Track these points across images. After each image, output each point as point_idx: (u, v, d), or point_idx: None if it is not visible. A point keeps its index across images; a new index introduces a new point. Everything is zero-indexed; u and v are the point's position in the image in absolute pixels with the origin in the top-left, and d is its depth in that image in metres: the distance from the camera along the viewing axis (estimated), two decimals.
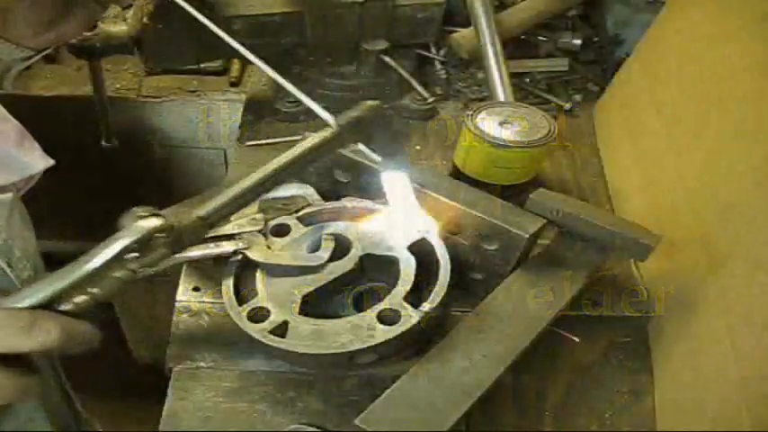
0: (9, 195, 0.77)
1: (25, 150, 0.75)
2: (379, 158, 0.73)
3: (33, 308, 0.51)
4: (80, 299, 0.53)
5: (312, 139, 0.62)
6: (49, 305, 0.52)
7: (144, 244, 0.54)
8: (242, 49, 0.73)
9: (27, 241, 0.82)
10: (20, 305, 0.51)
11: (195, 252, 0.76)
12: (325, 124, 0.68)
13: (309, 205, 0.85)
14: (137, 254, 0.54)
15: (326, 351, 0.67)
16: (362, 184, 0.85)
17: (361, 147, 0.68)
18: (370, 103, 0.66)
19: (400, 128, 0.68)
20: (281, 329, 0.69)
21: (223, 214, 0.61)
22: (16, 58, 0.82)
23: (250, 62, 0.77)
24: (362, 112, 0.66)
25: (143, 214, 0.56)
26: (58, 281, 0.52)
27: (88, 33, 1.02)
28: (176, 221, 0.56)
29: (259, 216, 0.82)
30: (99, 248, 0.53)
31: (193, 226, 0.58)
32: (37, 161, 0.75)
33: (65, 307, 0.52)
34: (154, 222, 0.55)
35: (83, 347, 0.54)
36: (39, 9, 0.76)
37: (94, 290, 0.53)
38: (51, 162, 0.75)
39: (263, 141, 1.10)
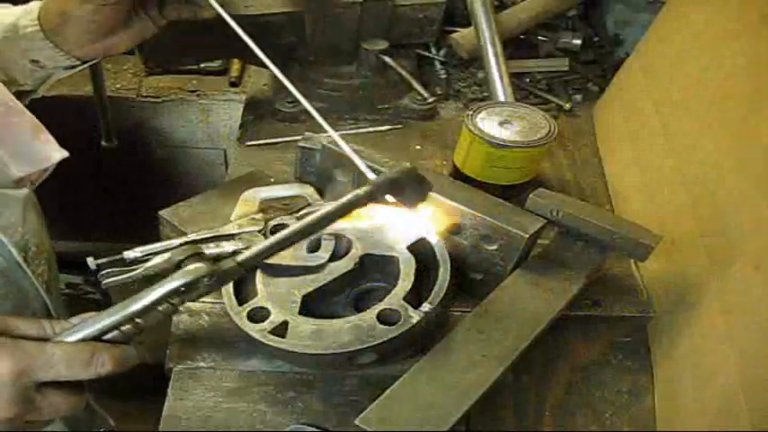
0: (24, 191, 0.77)
1: (41, 142, 0.75)
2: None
3: (89, 339, 0.58)
4: (126, 328, 0.60)
5: (350, 197, 0.67)
6: (101, 335, 0.59)
7: (189, 286, 0.61)
8: (264, 57, 0.77)
9: (42, 237, 0.82)
10: (78, 337, 0.58)
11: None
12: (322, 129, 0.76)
13: (309, 205, 0.85)
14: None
15: (326, 351, 0.67)
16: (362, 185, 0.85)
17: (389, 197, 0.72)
18: (406, 166, 0.71)
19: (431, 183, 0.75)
20: (281, 329, 0.69)
21: (260, 260, 0.66)
22: (59, 67, 0.83)
23: (264, 66, 0.78)
24: (399, 174, 0.70)
25: (189, 254, 0.63)
26: (112, 316, 0.59)
27: None
28: (218, 268, 0.62)
29: (259, 216, 0.82)
30: (150, 290, 0.60)
31: (233, 270, 0.63)
32: (52, 153, 0.76)
33: (112, 334, 0.59)
34: (201, 269, 0.61)
35: (129, 369, 0.61)
36: (99, 18, 0.77)
37: (139, 320, 0.60)
38: (66, 154, 0.76)
39: (263, 141, 1.10)
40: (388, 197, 0.69)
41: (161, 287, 0.60)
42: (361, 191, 0.67)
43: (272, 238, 0.65)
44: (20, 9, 0.81)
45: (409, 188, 0.70)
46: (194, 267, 0.61)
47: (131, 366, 0.60)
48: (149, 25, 0.83)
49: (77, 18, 0.77)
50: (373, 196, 0.68)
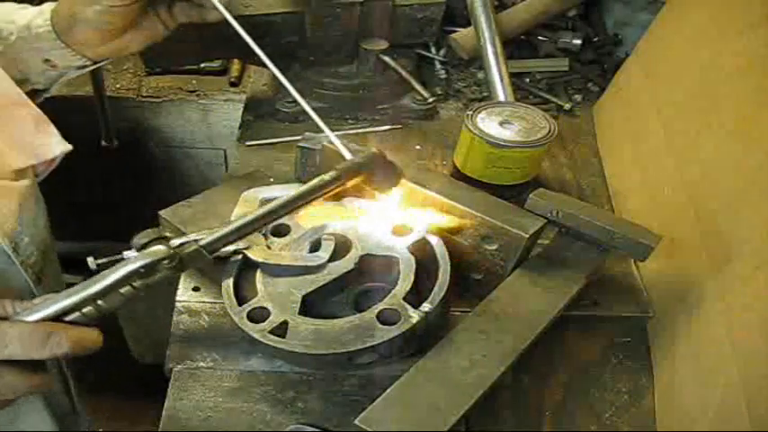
0: (23, 182, 0.77)
1: (43, 135, 0.76)
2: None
3: (48, 319, 0.58)
4: (87, 309, 0.59)
5: (315, 181, 0.68)
6: (60, 315, 0.59)
7: (150, 268, 0.60)
8: (266, 60, 0.77)
9: (38, 229, 0.82)
10: (36, 317, 0.58)
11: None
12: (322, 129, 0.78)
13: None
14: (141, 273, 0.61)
15: (326, 351, 0.67)
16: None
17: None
18: (373, 150, 0.73)
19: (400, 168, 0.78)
20: (280, 329, 0.69)
21: (223, 244, 0.66)
22: (71, 66, 0.84)
23: (264, 66, 0.79)
24: (365, 159, 0.72)
25: (152, 237, 0.63)
26: (71, 296, 0.59)
27: None
28: (180, 250, 0.62)
29: None
30: (109, 271, 0.60)
31: (195, 254, 0.64)
32: (54, 146, 0.76)
33: (73, 316, 0.59)
34: (160, 251, 0.61)
35: (89, 352, 0.60)
36: (108, 20, 0.78)
37: (101, 303, 0.60)
38: (69, 147, 0.76)
39: (263, 141, 1.10)
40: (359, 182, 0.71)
41: (121, 268, 0.60)
42: (326, 175, 0.68)
43: (235, 222, 0.66)
44: (34, 10, 0.83)
45: (378, 173, 0.71)
46: (154, 249, 0.61)
47: (92, 350, 0.60)
48: (159, 27, 0.84)
49: (86, 20, 0.78)
50: (339, 180, 0.69)
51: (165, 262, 0.61)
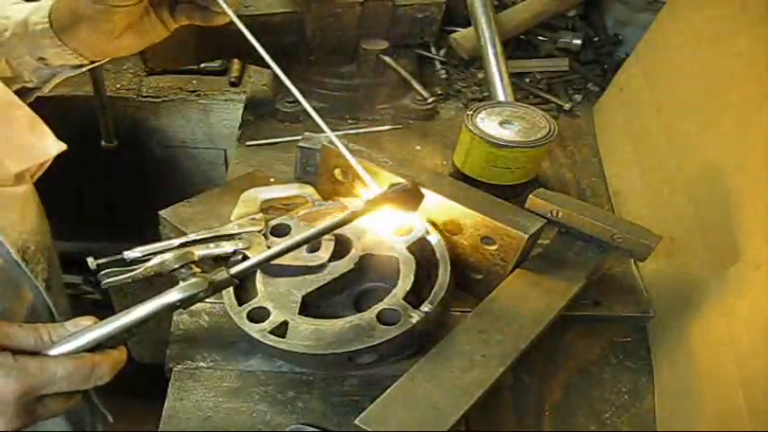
0: (23, 188, 0.77)
1: (37, 136, 0.75)
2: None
3: (86, 349, 0.59)
4: (122, 336, 0.61)
5: (346, 214, 0.68)
6: (98, 345, 0.60)
7: (186, 301, 0.62)
8: (270, 60, 0.76)
9: (42, 234, 0.82)
10: (75, 346, 0.59)
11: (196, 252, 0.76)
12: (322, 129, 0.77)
13: (309, 205, 0.85)
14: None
15: (326, 351, 0.67)
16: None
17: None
18: (405, 183, 0.72)
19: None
20: (281, 329, 0.69)
21: (251, 271, 0.68)
22: (67, 66, 0.83)
23: (264, 66, 0.78)
24: (397, 193, 0.71)
25: (185, 262, 0.67)
26: (108, 326, 0.60)
27: None
28: (213, 280, 0.64)
29: (259, 216, 0.81)
30: (148, 303, 0.61)
31: (226, 282, 0.65)
32: (50, 146, 0.75)
33: (108, 342, 0.61)
34: (199, 284, 0.63)
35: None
36: (109, 20, 0.76)
37: (134, 329, 0.61)
38: (64, 147, 0.76)
39: (263, 141, 1.10)
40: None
41: (159, 300, 0.61)
42: (357, 209, 0.68)
43: (266, 253, 0.67)
44: (30, 6, 0.81)
45: (405, 201, 0.71)
46: (192, 283, 0.63)
47: (122, 367, 0.62)
48: (159, 28, 0.83)
49: (88, 18, 0.76)
50: (367, 212, 0.69)
51: (201, 294, 0.63)
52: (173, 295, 0.62)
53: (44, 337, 0.59)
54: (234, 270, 0.65)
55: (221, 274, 0.64)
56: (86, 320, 0.61)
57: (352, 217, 0.68)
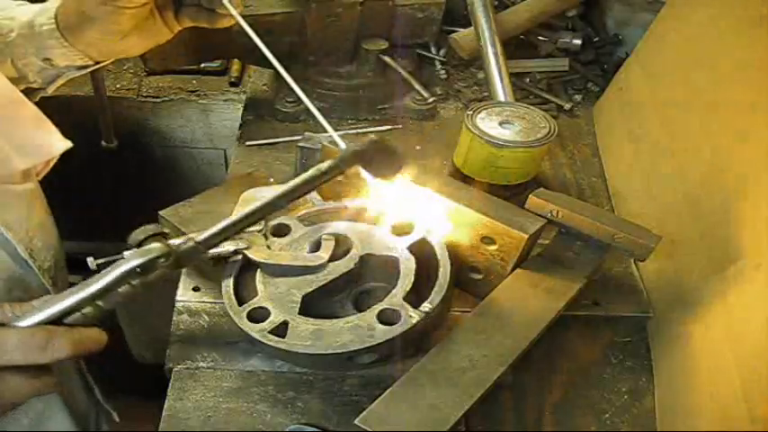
0: (29, 185, 0.77)
1: (44, 134, 0.75)
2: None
3: (48, 322, 0.57)
4: (87, 310, 0.59)
5: (314, 170, 0.67)
6: (60, 317, 0.58)
7: (146, 267, 0.60)
8: (275, 61, 0.77)
9: (48, 231, 0.82)
10: (35, 320, 0.57)
11: None
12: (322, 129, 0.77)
13: (309, 205, 0.85)
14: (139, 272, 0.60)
15: (326, 351, 0.67)
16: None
17: (361, 170, 0.72)
18: (372, 137, 0.71)
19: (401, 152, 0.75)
20: (280, 329, 0.69)
21: (219, 240, 0.66)
22: (72, 66, 0.83)
23: (264, 66, 0.78)
24: (364, 146, 0.70)
25: (149, 234, 0.62)
26: (69, 298, 0.58)
27: None
28: (176, 247, 0.62)
29: None
30: (106, 271, 0.59)
31: (191, 251, 0.63)
32: (56, 144, 0.75)
33: (73, 317, 0.58)
34: (156, 249, 0.60)
35: (91, 351, 0.60)
36: (116, 21, 0.77)
37: (100, 302, 0.59)
38: (69, 144, 0.76)
39: (263, 141, 1.10)
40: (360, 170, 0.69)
41: (118, 267, 0.59)
42: (325, 164, 0.67)
43: (231, 218, 0.65)
44: (36, 7, 0.81)
45: (378, 160, 0.70)
46: (150, 247, 0.60)
47: (96, 350, 0.60)
48: (164, 30, 0.83)
49: (95, 19, 0.76)
50: (338, 168, 0.68)
51: (162, 260, 0.60)
52: (131, 260, 0.59)
53: (6, 312, 0.58)
54: (198, 237, 0.63)
55: (185, 243, 0.62)
56: (51, 298, 0.59)
57: (319, 173, 0.66)
